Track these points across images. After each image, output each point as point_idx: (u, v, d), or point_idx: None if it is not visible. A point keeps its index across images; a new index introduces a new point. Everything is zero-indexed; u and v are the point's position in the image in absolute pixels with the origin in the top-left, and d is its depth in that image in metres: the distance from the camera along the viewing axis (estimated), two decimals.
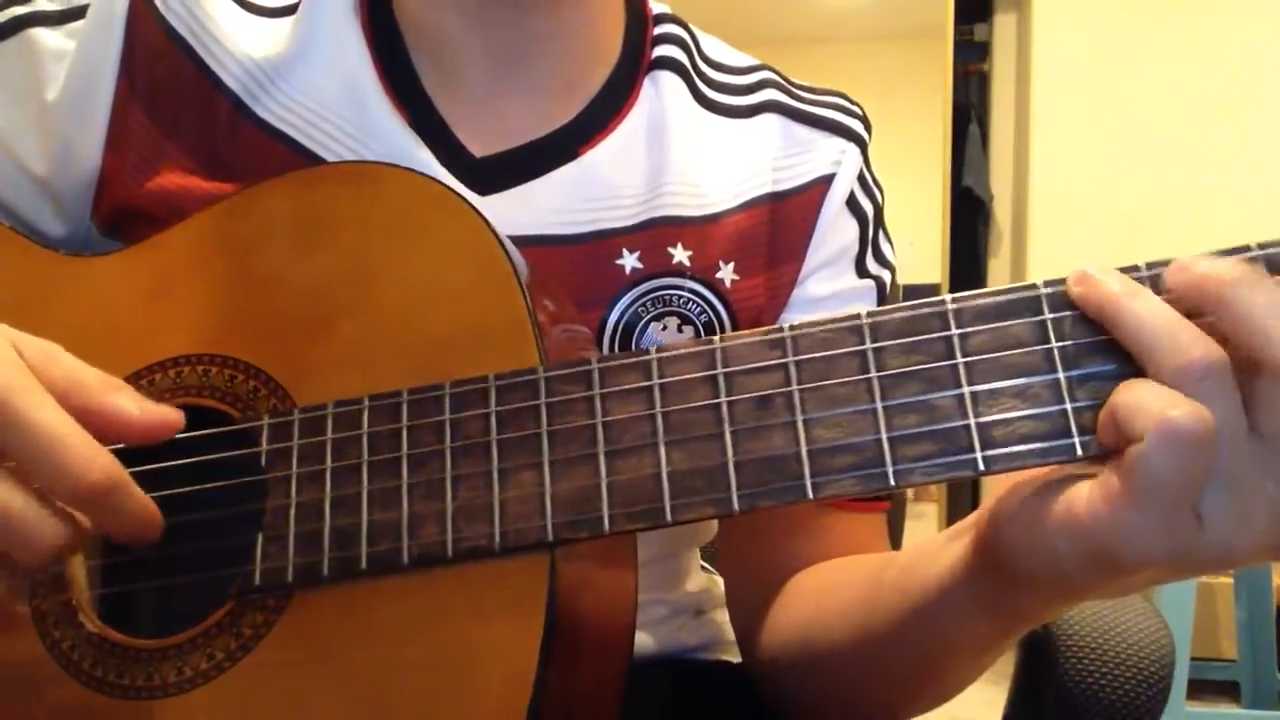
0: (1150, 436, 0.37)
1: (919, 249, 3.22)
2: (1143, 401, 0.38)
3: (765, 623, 0.67)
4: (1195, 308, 0.39)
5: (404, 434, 0.48)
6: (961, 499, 3.36)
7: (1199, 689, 2.73)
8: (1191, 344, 0.38)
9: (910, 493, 2.21)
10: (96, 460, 0.43)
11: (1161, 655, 0.70)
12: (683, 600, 0.75)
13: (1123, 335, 0.39)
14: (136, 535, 0.46)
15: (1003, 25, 3.54)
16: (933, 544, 0.52)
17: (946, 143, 3.34)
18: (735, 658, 0.76)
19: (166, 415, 0.47)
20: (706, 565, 0.82)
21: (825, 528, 0.68)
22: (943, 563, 0.49)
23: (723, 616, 0.79)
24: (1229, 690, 2.80)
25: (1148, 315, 0.39)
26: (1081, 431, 0.39)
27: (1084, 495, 0.39)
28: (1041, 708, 0.73)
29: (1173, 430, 0.36)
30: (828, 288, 0.70)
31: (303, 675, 0.48)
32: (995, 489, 0.45)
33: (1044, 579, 0.43)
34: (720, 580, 0.81)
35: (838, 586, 0.62)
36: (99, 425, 0.46)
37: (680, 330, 0.66)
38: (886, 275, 0.73)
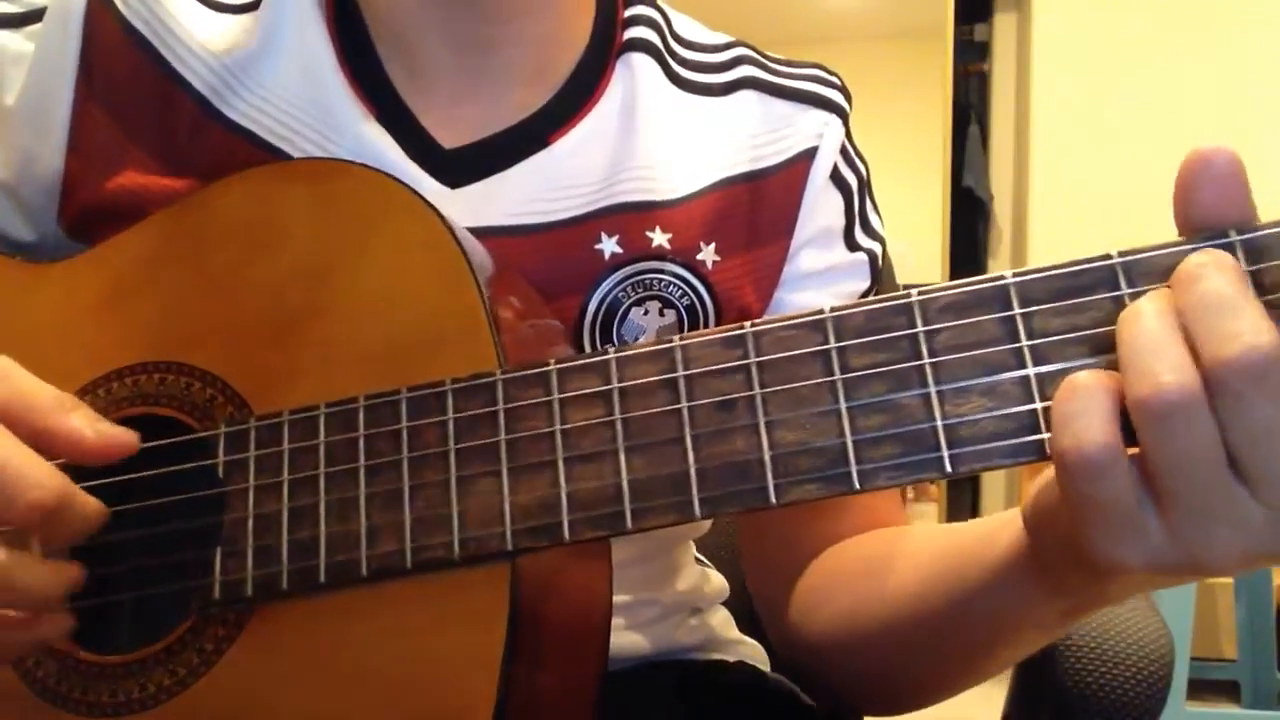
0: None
1: (919, 249, 3.21)
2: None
3: (801, 606, 0.66)
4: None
5: (361, 443, 0.47)
6: (962, 500, 3.35)
7: (1199, 689, 2.72)
8: (1160, 371, 0.35)
9: (910, 492, 2.20)
10: (40, 478, 0.43)
11: (1161, 655, 0.70)
12: (675, 599, 0.74)
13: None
14: (82, 537, 0.47)
15: (1003, 25, 3.54)
16: (986, 526, 0.51)
17: (946, 143, 3.33)
18: (731, 656, 0.75)
19: (120, 436, 0.47)
20: (701, 558, 0.81)
21: (846, 505, 0.67)
22: (999, 551, 0.48)
23: (717, 616, 0.78)
24: (1229, 690, 2.79)
25: (1132, 334, 0.37)
26: (1051, 429, 0.38)
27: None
28: (1041, 707, 0.72)
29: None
30: (819, 262, 0.69)
31: (265, 690, 0.47)
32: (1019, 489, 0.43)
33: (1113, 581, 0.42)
34: (715, 576, 0.80)
35: (887, 572, 0.60)
36: (52, 446, 0.46)
37: (662, 314, 0.65)
38: (877, 247, 0.72)
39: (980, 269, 3.41)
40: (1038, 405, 0.38)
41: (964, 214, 3.40)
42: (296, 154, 0.63)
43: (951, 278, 3.50)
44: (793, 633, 0.67)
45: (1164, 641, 0.70)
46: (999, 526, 0.50)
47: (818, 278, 0.69)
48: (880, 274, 0.72)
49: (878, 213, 0.73)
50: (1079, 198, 3.11)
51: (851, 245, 0.71)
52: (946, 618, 0.53)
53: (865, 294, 0.71)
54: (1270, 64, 3.00)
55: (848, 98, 0.73)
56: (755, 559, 0.73)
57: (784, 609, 0.67)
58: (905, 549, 0.61)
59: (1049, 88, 3.19)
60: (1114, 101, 3.11)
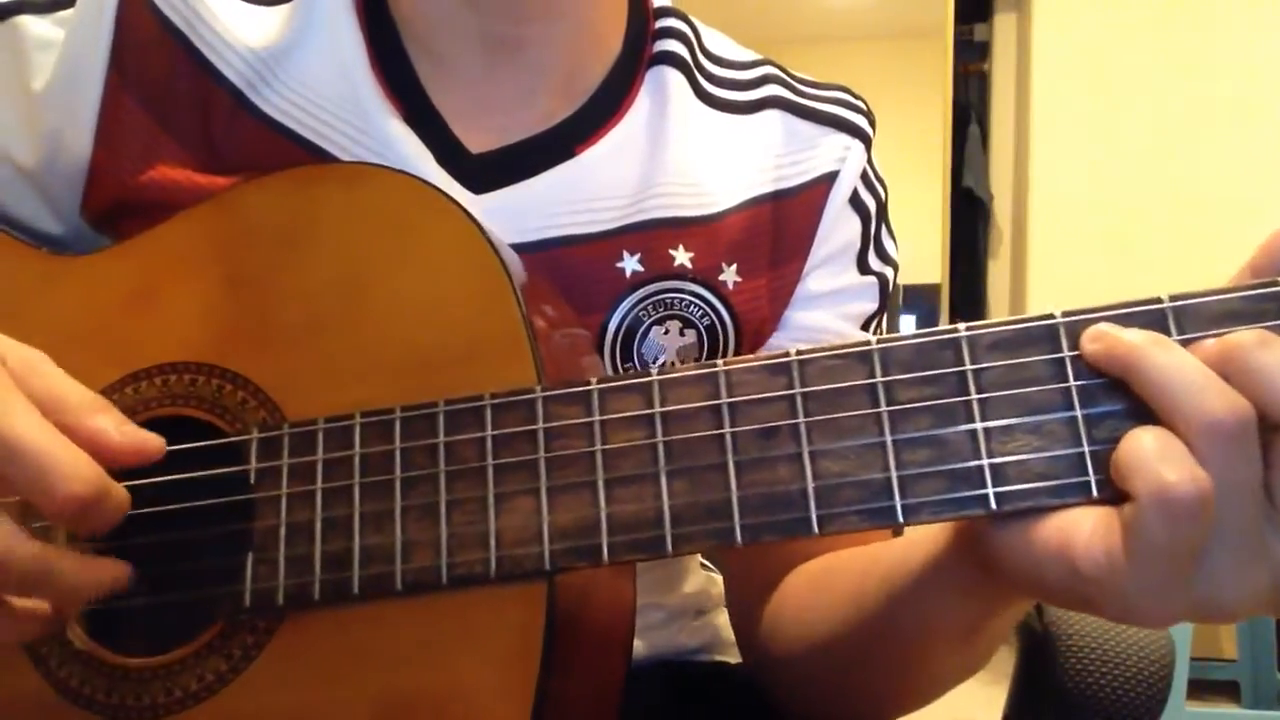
0: (1143, 500, 0.36)
1: (919, 249, 3.21)
2: (1142, 459, 0.36)
3: (762, 618, 0.66)
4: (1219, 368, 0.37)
5: (397, 455, 0.47)
6: None
7: (1199, 689, 2.74)
8: (1215, 401, 0.36)
9: None
10: (79, 470, 0.42)
11: (1161, 655, 0.69)
12: (681, 603, 0.74)
13: (1146, 391, 0.38)
14: (106, 529, 0.45)
15: (1003, 25, 3.53)
16: (918, 532, 0.51)
17: (946, 143, 3.33)
18: (734, 659, 0.76)
19: (146, 441, 0.46)
20: (705, 563, 0.81)
21: None
22: (924, 548, 0.49)
23: (721, 618, 0.78)
24: (1229, 690, 2.81)
25: (1172, 369, 0.37)
26: (1098, 471, 0.38)
27: (1084, 535, 0.38)
28: (1041, 708, 0.72)
29: (1166, 499, 0.35)
30: (829, 284, 0.69)
31: (293, 700, 0.47)
32: None
33: (1026, 587, 0.42)
34: (719, 579, 0.80)
35: (830, 581, 0.61)
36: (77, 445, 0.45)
37: (682, 334, 0.65)
38: (889, 272, 0.73)
39: (980, 269, 3.41)
40: (1085, 448, 0.38)
41: (964, 214, 3.40)
42: (331, 149, 0.63)
43: (951, 277, 3.46)
44: (757, 647, 0.67)
45: (1164, 641, 0.70)
46: (925, 532, 0.50)
47: (827, 298, 0.69)
48: (889, 298, 0.73)
49: (893, 237, 0.73)
50: (1079, 198, 3.11)
51: (864, 268, 0.71)
52: (872, 628, 0.54)
53: (873, 316, 0.72)
54: (1271, 64, 3.00)
55: (872, 122, 0.73)
56: (732, 576, 0.73)
57: (755, 626, 0.67)
58: (842, 569, 0.61)
59: (1049, 88, 3.19)
60: (1114, 101, 3.10)
